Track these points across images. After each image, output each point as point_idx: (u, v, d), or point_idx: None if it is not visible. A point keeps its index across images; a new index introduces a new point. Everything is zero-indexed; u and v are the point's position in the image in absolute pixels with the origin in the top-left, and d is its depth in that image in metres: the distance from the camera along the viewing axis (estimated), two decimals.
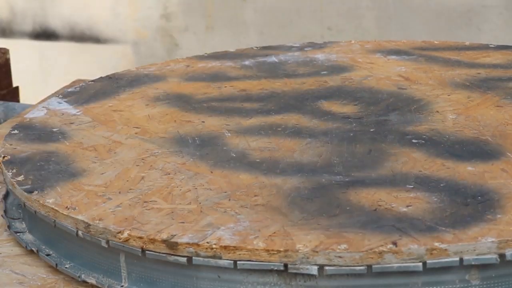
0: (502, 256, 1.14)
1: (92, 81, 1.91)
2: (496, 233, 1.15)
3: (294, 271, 1.14)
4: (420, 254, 1.13)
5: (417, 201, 1.25)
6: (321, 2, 3.88)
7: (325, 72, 1.85)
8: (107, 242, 1.22)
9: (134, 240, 1.19)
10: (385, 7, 3.78)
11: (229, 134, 1.54)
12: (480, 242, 1.13)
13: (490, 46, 2.02)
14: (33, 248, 1.37)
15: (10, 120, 1.94)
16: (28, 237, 1.42)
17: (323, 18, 3.87)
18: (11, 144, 1.55)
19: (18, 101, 2.28)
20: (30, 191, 1.36)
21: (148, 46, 4.22)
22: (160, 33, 4.24)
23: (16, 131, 1.61)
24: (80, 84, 1.88)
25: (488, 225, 1.17)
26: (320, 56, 1.97)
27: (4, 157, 1.50)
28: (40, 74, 4.14)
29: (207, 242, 1.16)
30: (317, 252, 1.13)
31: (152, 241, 1.18)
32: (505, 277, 1.15)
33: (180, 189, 1.32)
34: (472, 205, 1.23)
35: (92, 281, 1.26)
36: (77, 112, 1.70)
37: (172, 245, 1.18)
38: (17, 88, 2.39)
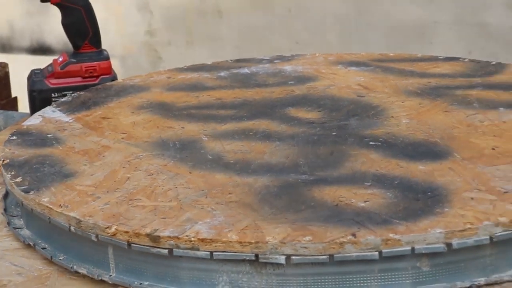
0: (449, 245, 1.14)
1: (83, 91, 1.90)
2: (444, 225, 1.15)
3: (264, 260, 1.14)
4: (376, 244, 1.13)
5: (374, 197, 1.26)
6: (290, 19, 3.89)
7: (292, 82, 1.85)
8: (97, 236, 1.22)
9: (120, 234, 1.19)
10: (347, 24, 3.79)
11: (206, 138, 1.55)
12: (429, 233, 1.14)
13: (440, 58, 2.02)
14: (30, 243, 1.37)
15: (9, 127, 1.94)
16: (25, 232, 1.42)
17: (291, 33, 3.88)
18: (10, 149, 1.55)
19: (16, 110, 2.28)
20: (27, 191, 1.36)
21: (134, 60, 4.21)
22: (145, 47, 4.23)
23: (14, 137, 1.61)
24: (72, 94, 1.88)
25: (437, 218, 1.18)
26: (287, 67, 1.97)
27: (3, 160, 1.50)
28: None
29: (186, 236, 1.16)
30: (284, 243, 1.14)
31: (137, 235, 1.18)
32: (452, 264, 1.16)
33: (162, 188, 1.32)
34: (422, 200, 1.24)
35: (83, 271, 1.26)
36: (70, 119, 1.70)
37: (154, 239, 1.18)
38: (15, 98, 2.38)
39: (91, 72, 1.99)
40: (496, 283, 1.18)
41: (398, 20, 3.69)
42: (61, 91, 1.96)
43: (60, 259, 1.30)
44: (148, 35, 4.23)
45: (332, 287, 1.15)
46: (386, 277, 1.15)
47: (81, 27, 1.98)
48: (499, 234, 1.16)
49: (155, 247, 1.17)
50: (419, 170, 1.35)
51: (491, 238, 1.16)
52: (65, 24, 1.99)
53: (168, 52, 4.19)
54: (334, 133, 1.53)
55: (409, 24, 3.67)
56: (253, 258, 1.14)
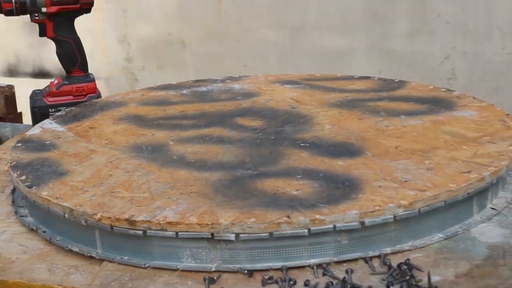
0: (362, 223, 1.15)
1: (74, 107, 1.89)
2: (358, 207, 1.17)
3: (219, 238, 1.14)
4: (306, 223, 1.14)
5: (304, 187, 1.26)
6: (239, 48, 3.88)
7: (239, 97, 1.86)
8: (86, 221, 1.22)
9: (105, 220, 1.19)
10: (283, 51, 3.79)
11: (172, 142, 1.54)
12: (347, 214, 1.15)
13: (355, 77, 2.04)
14: (33, 227, 1.35)
15: (16, 136, 1.92)
16: (29, 219, 1.40)
17: (240, 58, 3.87)
18: (16, 153, 1.54)
19: (21, 122, 2.25)
20: (30, 187, 1.35)
21: (116, 81, 4.18)
22: (124, 71, 4.21)
23: (19, 144, 1.60)
24: (65, 109, 1.87)
25: (353, 202, 1.19)
26: (236, 86, 1.98)
27: (11, 163, 1.49)
28: None
29: (157, 220, 1.16)
30: (234, 224, 1.14)
31: (118, 220, 1.18)
32: (365, 237, 1.17)
33: (137, 183, 1.32)
34: (342, 189, 1.25)
35: (76, 249, 1.25)
36: (63, 129, 1.69)
37: (131, 223, 1.17)
38: (20, 113, 2.36)
39: (80, 92, 1.97)
40: (399, 251, 1.19)
41: (323, 47, 3.70)
42: (57, 107, 1.94)
43: (57, 240, 1.29)
44: (126, 61, 4.21)
45: (272, 258, 1.16)
46: (314, 249, 1.16)
47: (72, 56, 1.97)
48: (401, 213, 1.18)
49: (132, 229, 1.17)
50: (339, 165, 1.36)
51: (394, 217, 1.17)
52: (59, 54, 1.97)
53: (142, 75, 4.16)
54: (272, 137, 1.54)
55: (332, 51, 3.68)
56: (210, 236, 1.14)
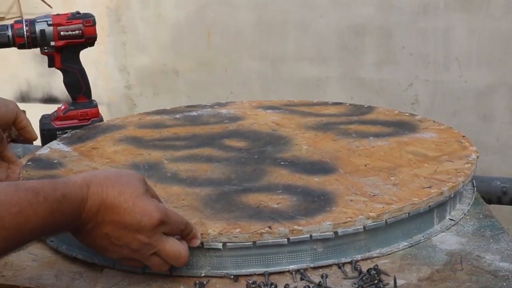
0: (336, 233, 1.15)
1: (79, 130, 1.89)
2: (332, 219, 1.17)
3: (208, 246, 1.14)
4: (285, 233, 1.14)
5: (284, 201, 1.26)
6: (226, 76, 3.89)
7: (226, 121, 1.85)
8: None
9: None
10: (266, 79, 3.81)
11: (166, 161, 1.54)
12: (322, 225, 1.15)
13: (329, 102, 2.03)
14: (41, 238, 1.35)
15: (26, 156, 1.90)
16: None
17: (227, 86, 3.88)
18: (26, 171, 1.53)
19: (31, 143, 2.24)
20: None
21: (116, 106, 4.18)
22: (124, 98, 4.21)
23: (30, 163, 1.59)
24: (71, 132, 1.86)
25: (327, 214, 1.19)
26: (223, 111, 1.97)
27: (22, 179, 1.48)
28: None
29: None
30: (221, 234, 1.14)
31: None
32: (338, 246, 1.17)
33: None
34: (317, 202, 1.25)
35: (80, 257, 1.24)
36: (69, 149, 1.68)
37: None
38: None
39: (84, 116, 1.97)
40: (368, 258, 1.19)
41: (301, 76, 3.72)
42: (63, 129, 1.94)
43: (63, 249, 1.28)
44: (126, 88, 4.21)
45: (255, 264, 1.15)
46: (293, 256, 1.16)
47: (77, 84, 1.96)
48: (370, 224, 1.18)
49: None
50: (315, 181, 1.36)
51: (364, 227, 1.17)
52: (66, 83, 1.97)
53: (140, 101, 4.16)
54: (256, 156, 1.54)
55: (309, 79, 3.70)
56: (200, 245, 1.14)
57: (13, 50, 1.90)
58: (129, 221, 1.04)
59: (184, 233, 1.11)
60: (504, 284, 1.09)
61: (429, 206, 1.26)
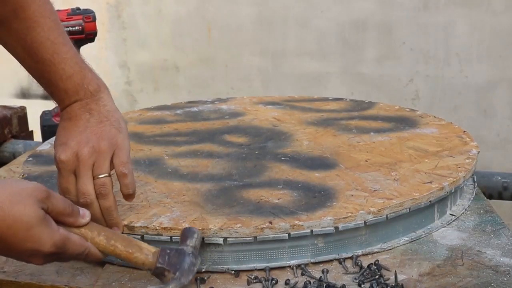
0: (336, 228, 1.16)
1: None
2: (333, 214, 1.17)
3: (208, 241, 1.14)
4: (286, 228, 1.14)
5: (285, 196, 1.27)
6: (227, 72, 3.88)
7: (227, 117, 1.85)
8: None
9: None
10: (267, 75, 3.80)
11: (167, 157, 1.54)
12: (323, 220, 1.16)
13: (330, 98, 2.04)
14: None
15: (27, 152, 1.91)
16: None
17: (228, 82, 3.87)
18: (27, 167, 1.53)
19: (32, 139, 2.24)
20: None
21: (117, 102, 4.18)
22: (125, 93, 4.20)
23: (31, 159, 1.59)
24: None
25: (328, 209, 1.19)
26: (224, 106, 1.97)
27: (23, 175, 1.48)
28: None
29: (153, 225, 1.16)
30: (222, 229, 1.14)
31: None
32: (339, 241, 1.18)
33: (136, 193, 1.31)
34: (318, 197, 1.25)
35: None
36: None
37: (131, 228, 1.17)
38: (32, 131, 2.34)
39: None
40: (369, 253, 1.20)
41: (302, 72, 3.71)
42: None
43: None
44: (126, 84, 4.20)
45: (256, 259, 1.16)
46: (293, 251, 1.16)
47: None
48: (371, 219, 1.18)
49: (131, 234, 1.17)
50: (315, 177, 1.36)
51: (365, 223, 1.18)
52: None
53: (141, 97, 4.15)
54: (256, 152, 1.54)
55: (310, 75, 3.69)
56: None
57: None
58: (20, 251, 1.00)
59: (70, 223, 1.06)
60: (505, 279, 1.10)
61: (430, 201, 1.26)
